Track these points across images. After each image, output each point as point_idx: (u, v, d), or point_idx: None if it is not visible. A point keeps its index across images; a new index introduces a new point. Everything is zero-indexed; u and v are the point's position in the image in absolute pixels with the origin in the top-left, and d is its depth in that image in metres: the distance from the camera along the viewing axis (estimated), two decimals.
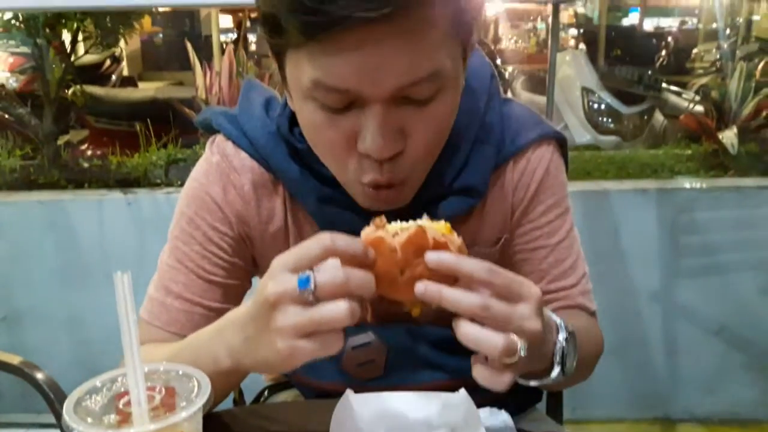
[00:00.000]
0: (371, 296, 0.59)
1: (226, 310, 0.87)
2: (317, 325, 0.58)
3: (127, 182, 2.22)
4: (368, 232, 0.62)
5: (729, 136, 2.33)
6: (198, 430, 0.56)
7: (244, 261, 0.89)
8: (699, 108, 3.26)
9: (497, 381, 0.62)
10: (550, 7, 1.80)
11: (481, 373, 0.63)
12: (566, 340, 0.68)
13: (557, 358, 0.68)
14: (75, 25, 2.30)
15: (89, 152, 3.02)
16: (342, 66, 0.62)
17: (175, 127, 2.51)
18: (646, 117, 3.81)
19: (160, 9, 6.42)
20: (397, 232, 0.61)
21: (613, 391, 2.16)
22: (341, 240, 0.58)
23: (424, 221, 0.63)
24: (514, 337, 0.60)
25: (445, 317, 0.92)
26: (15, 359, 1.13)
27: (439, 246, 0.60)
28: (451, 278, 0.61)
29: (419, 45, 0.63)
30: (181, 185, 2.31)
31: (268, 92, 0.93)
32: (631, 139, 3.65)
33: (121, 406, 0.55)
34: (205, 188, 0.87)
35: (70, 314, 2.14)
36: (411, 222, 0.63)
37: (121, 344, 0.53)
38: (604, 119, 3.79)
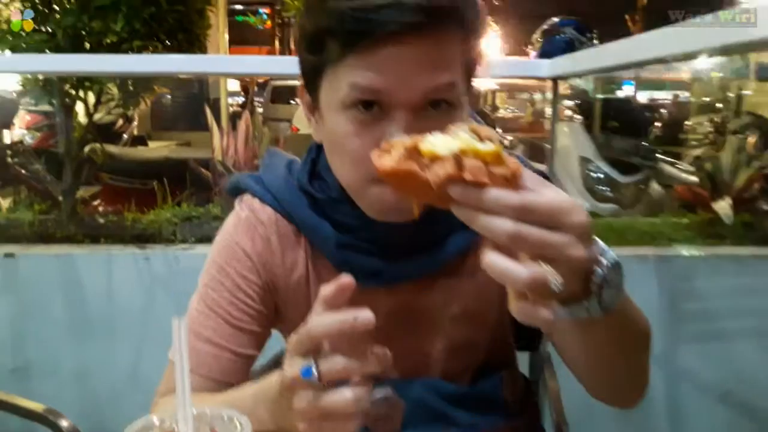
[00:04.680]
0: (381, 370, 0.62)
1: (250, 356, 0.93)
2: (327, 412, 0.62)
3: (141, 238, 2.28)
4: (386, 160, 0.58)
5: (723, 207, 2.41)
6: None
7: (268, 309, 0.94)
8: (694, 178, 3.36)
9: (533, 316, 0.56)
10: (549, 83, 1.90)
11: (515, 307, 0.58)
12: (612, 267, 0.62)
13: (594, 287, 0.61)
14: (99, 88, 2.40)
15: (101, 208, 3.09)
16: (377, 71, 0.73)
17: (190, 186, 2.58)
18: (642, 186, 3.91)
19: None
20: (431, 155, 0.56)
21: None
22: (328, 320, 0.61)
23: (465, 137, 0.57)
24: (545, 269, 0.55)
25: (458, 373, 0.97)
26: (39, 407, 1.15)
27: (479, 186, 0.54)
28: None
29: (440, 56, 0.74)
30: (195, 242, 2.35)
31: (289, 157, 1.02)
32: (629, 207, 3.73)
33: None
34: (235, 239, 0.94)
35: (78, 367, 2.15)
36: (444, 138, 0.57)
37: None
38: (602, 188, 3.89)
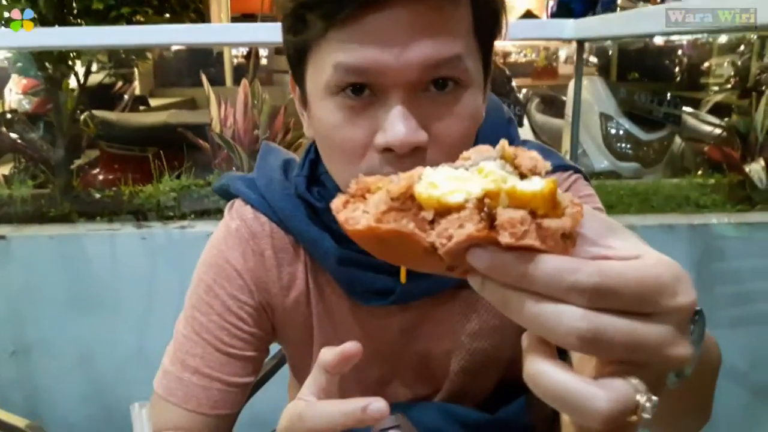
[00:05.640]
0: None
1: (244, 384, 0.83)
2: None
3: (139, 212, 2.19)
4: (358, 216, 0.36)
5: (756, 170, 2.27)
6: None
7: (263, 331, 0.85)
8: (720, 132, 3.20)
9: None
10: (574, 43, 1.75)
11: None
12: (694, 320, 0.43)
13: None
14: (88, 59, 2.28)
15: (101, 177, 3.00)
16: (365, 44, 0.60)
17: (188, 156, 2.48)
18: (666, 143, 3.73)
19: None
20: (436, 204, 0.34)
21: None
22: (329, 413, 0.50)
23: (493, 169, 0.34)
24: (633, 387, 0.35)
25: (478, 393, 0.88)
26: (22, 422, 1.08)
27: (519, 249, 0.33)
28: None
29: (442, 25, 0.61)
30: (195, 218, 2.26)
31: (286, 155, 0.89)
32: (651, 165, 3.56)
33: None
34: (225, 255, 0.83)
35: (79, 348, 2.10)
36: (458, 173, 0.35)
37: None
38: (623, 146, 3.70)
